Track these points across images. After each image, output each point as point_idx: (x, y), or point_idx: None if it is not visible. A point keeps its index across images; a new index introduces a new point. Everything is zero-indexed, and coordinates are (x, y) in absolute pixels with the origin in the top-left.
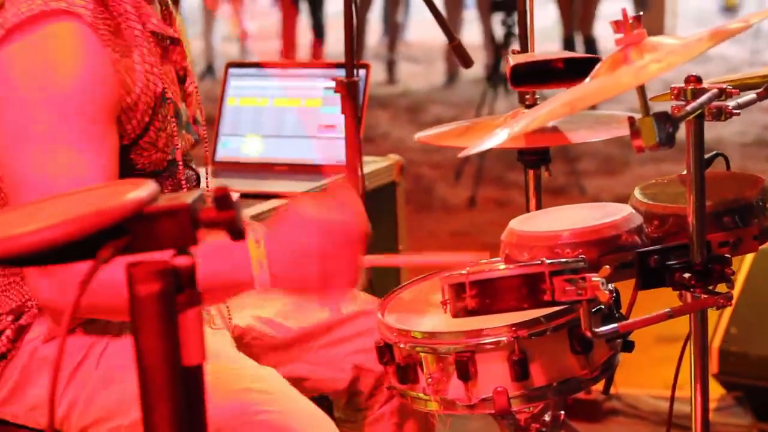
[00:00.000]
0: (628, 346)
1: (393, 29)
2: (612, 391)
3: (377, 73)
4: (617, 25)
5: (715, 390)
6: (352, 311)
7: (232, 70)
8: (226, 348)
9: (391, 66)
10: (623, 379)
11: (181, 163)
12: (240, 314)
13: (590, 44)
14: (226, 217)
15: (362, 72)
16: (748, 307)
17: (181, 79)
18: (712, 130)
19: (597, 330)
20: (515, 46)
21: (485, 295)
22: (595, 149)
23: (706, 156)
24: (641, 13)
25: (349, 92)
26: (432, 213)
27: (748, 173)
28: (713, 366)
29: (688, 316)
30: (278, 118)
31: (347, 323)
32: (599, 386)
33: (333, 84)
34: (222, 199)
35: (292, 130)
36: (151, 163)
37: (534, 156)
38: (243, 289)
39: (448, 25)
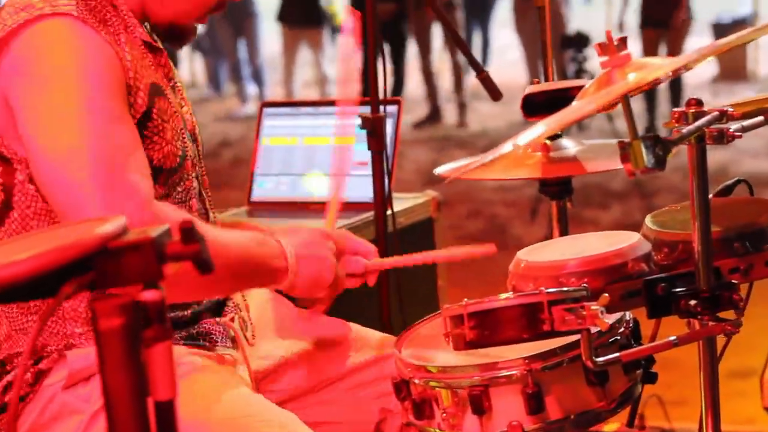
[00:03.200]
0: (651, 378)
1: (456, 70)
2: (666, 426)
3: (453, 115)
4: (602, 48)
5: None
6: (373, 356)
7: (266, 110)
8: (244, 391)
9: (461, 108)
10: (688, 415)
11: (192, 174)
12: (265, 356)
13: (676, 80)
14: (192, 250)
15: (393, 108)
16: None
17: (171, 89)
18: None
19: (598, 360)
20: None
21: (484, 327)
22: (671, 184)
23: (728, 182)
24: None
25: (375, 128)
26: (506, 252)
27: (762, 198)
28: (766, 399)
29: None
30: (309, 157)
31: (372, 366)
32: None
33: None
34: (187, 232)
35: (324, 168)
36: (165, 158)
37: (556, 187)
38: (272, 279)
39: (475, 58)
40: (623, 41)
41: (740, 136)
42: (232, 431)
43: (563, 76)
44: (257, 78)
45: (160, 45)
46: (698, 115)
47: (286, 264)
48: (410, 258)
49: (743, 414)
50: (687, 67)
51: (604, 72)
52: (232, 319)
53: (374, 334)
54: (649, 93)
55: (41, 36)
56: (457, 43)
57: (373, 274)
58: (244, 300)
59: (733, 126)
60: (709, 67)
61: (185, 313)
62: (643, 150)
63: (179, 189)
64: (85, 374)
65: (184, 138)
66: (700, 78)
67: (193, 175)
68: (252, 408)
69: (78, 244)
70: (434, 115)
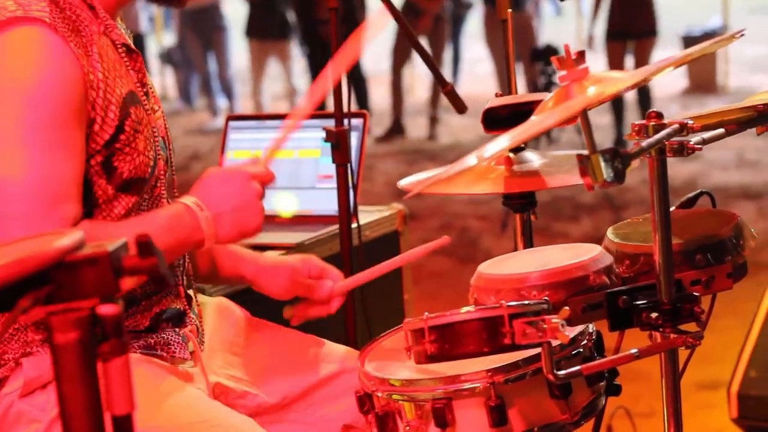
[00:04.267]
0: (614, 390)
1: (434, 85)
2: None
3: (422, 128)
4: (560, 62)
5: None
6: (335, 369)
7: (231, 123)
8: (199, 397)
9: (432, 122)
10: (655, 427)
11: (163, 180)
12: (224, 372)
13: (645, 92)
14: (149, 264)
15: (358, 121)
16: (767, 350)
17: (145, 94)
18: None
19: (559, 372)
20: None
21: (444, 340)
22: (642, 197)
23: (691, 195)
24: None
25: (339, 141)
26: (476, 265)
27: (724, 210)
28: (733, 410)
29: (735, 360)
30: (274, 170)
31: (334, 380)
32: None
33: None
34: (144, 246)
35: (288, 181)
36: (136, 168)
37: (519, 200)
38: (197, 247)
39: (440, 71)
40: (581, 55)
41: (700, 149)
42: None
43: (534, 88)
44: (227, 91)
45: (135, 48)
46: (658, 128)
47: (203, 234)
48: (373, 270)
49: (712, 426)
50: (646, 80)
51: (562, 86)
52: (192, 331)
53: (338, 348)
54: (617, 106)
55: (5, 46)
56: (422, 56)
57: (337, 299)
58: (198, 305)
59: (694, 138)
60: (679, 80)
61: (143, 322)
62: (602, 163)
63: (147, 197)
64: (41, 382)
65: (156, 145)
66: (670, 90)
67: (164, 180)
68: (208, 413)
69: (35, 258)
70: (396, 128)
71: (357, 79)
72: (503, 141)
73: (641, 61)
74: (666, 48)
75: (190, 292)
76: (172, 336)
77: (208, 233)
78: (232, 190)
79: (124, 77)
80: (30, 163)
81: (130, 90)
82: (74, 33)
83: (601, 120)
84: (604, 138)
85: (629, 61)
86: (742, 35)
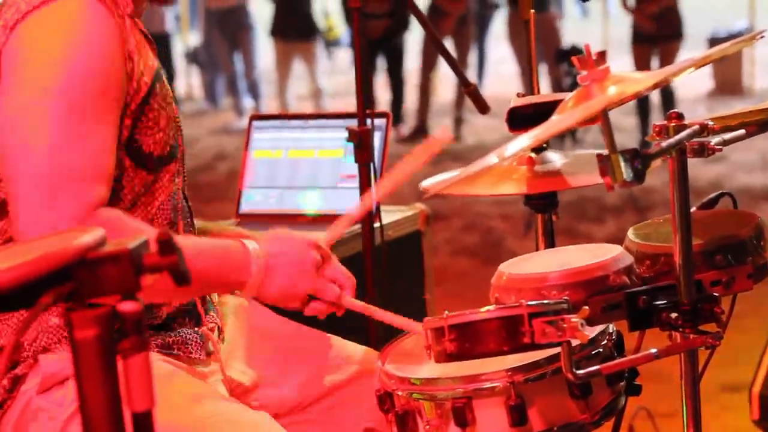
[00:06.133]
0: (635, 390)
1: (458, 86)
2: None
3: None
4: (580, 62)
5: None
6: (356, 371)
7: (255, 123)
8: (215, 394)
9: (457, 122)
10: (677, 428)
11: (182, 170)
12: (243, 371)
13: (668, 94)
14: (170, 261)
15: (381, 121)
16: None
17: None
18: None
19: (578, 372)
20: None
21: (464, 339)
22: (667, 199)
23: (712, 195)
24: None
25: (362, 141)
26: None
27: (744, 211)
28: (754, 412)
29: (763, 363)
30: (293, 170)
31: (355, 382)
32: None
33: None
34: (165, 243)
35: (310, 181)
36: (156, 144)
37: (541, 201)
38: (237, 288)
39: (462, 72)
40: (602, 55)
41: (720, 149)
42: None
43: (559, 89)
44: (253, 91)
45: (151, 38)
46: (679, 129)
47: (247, 278)
48: (379, 312)
49: (734, 428)
50: (667, 80)
51: (583, 86)
52: (212, 329)
53: (357, 349)
54: (642, 108)
55: (48, 20)
56: (445, 57)
57: (342, 308)
58: (215, 304)
59: (714, 139)
60: (705, 82)
61: (158, 318)
62: (622, 163)
63: (165, 181)
64: (58, 378)
65: (178, 128)
66: (696, 92)
67: (182, 170)
68: (221, 408)
69: (56, 255)
70: (421, 130)
71: (396, 80)
72: (523, 140)
73: (666, 63)
74: (692, 50)
75: None
76: (189, 334)
77: (254, 279)
78: (292, 250)
79: (149, 55)
80: (63, 133)
81: (158, 67)
82: (114, 4)
83: (627, 122)
84: (630, 140)
85: (655, 64)
86: (763, 36)
